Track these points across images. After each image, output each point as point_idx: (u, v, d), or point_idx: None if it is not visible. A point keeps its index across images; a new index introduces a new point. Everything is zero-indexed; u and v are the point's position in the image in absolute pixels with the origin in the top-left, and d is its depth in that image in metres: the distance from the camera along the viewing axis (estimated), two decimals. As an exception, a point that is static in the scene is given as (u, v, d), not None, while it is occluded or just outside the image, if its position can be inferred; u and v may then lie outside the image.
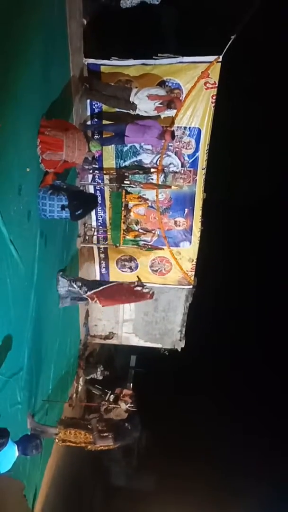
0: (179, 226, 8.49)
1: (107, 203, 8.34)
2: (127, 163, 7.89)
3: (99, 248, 9.00)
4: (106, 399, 7.77)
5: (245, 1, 5.74)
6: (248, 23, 5.96)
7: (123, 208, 8.19)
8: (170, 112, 7.13)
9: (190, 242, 8.61)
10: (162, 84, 6.99)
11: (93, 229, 8.73)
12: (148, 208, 8.36)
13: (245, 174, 12.00)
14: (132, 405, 7.15)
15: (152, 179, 8.04)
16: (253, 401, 14.41)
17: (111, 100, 6.87)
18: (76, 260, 8.36)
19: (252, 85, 10.18)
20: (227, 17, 6.71)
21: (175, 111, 7.10)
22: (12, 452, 4.36)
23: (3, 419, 4.86)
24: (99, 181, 8.14)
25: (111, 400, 7.75)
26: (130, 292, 7.24)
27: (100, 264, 9.20)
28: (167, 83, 7.01)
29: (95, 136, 7.47)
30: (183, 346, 10.50)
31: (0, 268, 4.42)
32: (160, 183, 8.03)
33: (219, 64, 6.73)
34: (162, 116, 7.18)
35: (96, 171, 8.00)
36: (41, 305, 5.95)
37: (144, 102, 6.63)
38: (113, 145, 7.64)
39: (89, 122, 7.43)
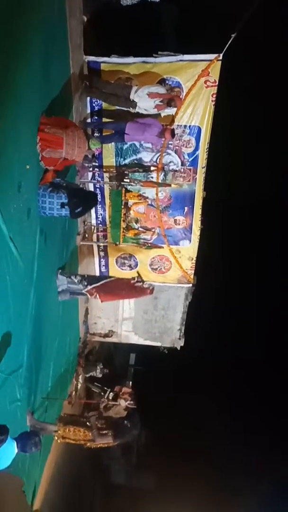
0: (179, 224, 8.49)
1: (107, 201, 8.34)
2: (127, 161, 7.89)
3: (98, 246, 9.00)
4: (106, 397, 7.77)
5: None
6: (249, 21, 5.96)
7: (123, 206, 8.20)
8: (170, 110, 7.13)
9: (190, 241, 8.61)
10: (162, 82, 6.99)
11: (92, 227, 8.73)
12: (148, 206, 8.36)
13: (245, 172, 12.00)
14: (132, 402, 7.15)
15: (152, 177, 8.04)
16: (252, 399, 14.43)
17: (111, 98, 6.87)
18: (75, 258, 8.36)
19: (253, 83, 10.18)
20: (228, 15, 6.70)
21: (175, 109, 7.10)
22: (11, 449, 4.38)
23: (2, 416, 4.87)
24: (99, 179, 8.15)
25: (110, 398, 7.75)
26: (129, 287, 7.22)
27: (99, 262, 9.20)
28: (167, 81, 7.00)
29: (95, 134, 7.47)
30: (182, 344, 10.52)
31: (0, 265, 4.42)
32: (160, 181, 8.03)
33: (220, 62, 6.72)
34: (162, 114, 7.18)
35: (96, 169, 8.00)
36: (40, 303, 5.96)
37: (144, 100, 6.62)
38: (113, 143, 7.64)
39: (89, 120, 7.43)
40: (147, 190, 8.20)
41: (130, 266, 9.15)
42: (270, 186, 11.88)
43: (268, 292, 13.92)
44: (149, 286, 7.43)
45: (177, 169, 7.87)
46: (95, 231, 8.77)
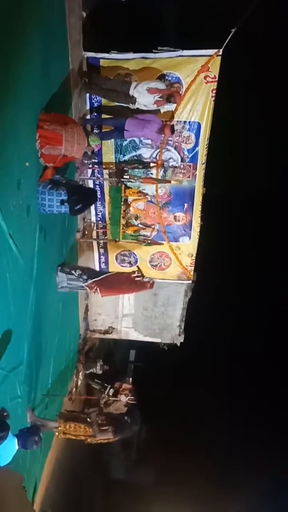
0: (179, 221, 8.48)
1: (107, 197, 8.32)
2: (126, 157, 7.87)
3: (98, 243, 8.99)
4: (106, 393, 7.80)
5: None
6: (248, 16, 5.93)
7: (122, 203, 8.18)
8: (170, 106, 7.09)
9: (190, 237, 8.60)
10: (162, 78, 6.95)
11: (92, 224, 8.71)
12: (147, 203, 8.34)
13: (245, 168, 11.97)
14: (132, 398, 7.18)
15: (152, 173, 8.02)
16: (252, 395, 14.48)
17: (111, 94, 6.84)
18: (75, 255, 8.36)
19: (252, 79, 10.14)
20: (227, 11, 6.67)
21: (174, 105, 7.06)
22: (12, 445, 4.39)
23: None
24: (99, 175, 8.12)
25: (110, 394, 7.78)
26: (130, 282, 7.22)
27: (99, 258, 9.19)
28: (167, 77, 6.97)
29: (95, 130, 7.44)
30: (182, 340, 10.53)
31: (0, 262, 4.42)
32: (159, 177, 8.00)
33: (219, 57, 6.68)
34: (161, 110, 7.14)
35: (95, 166, 7.97)
36: (40, 300, 5.97)
37: (143, 96, 6.59)
38: (112, 140, 7.61)
39: (88, 116, 7.40)
40: (146, 186, 8.18)
41: (130, 262, 9.14)
42: (270, 182, 11.86)
43: (268, 288, 13.94)
44: (149, 280, 7.44)
45: (177, 165, 7.85)
46: (94, 228, 8.76)
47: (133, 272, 7.43)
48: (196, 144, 7.56)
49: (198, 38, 7.08)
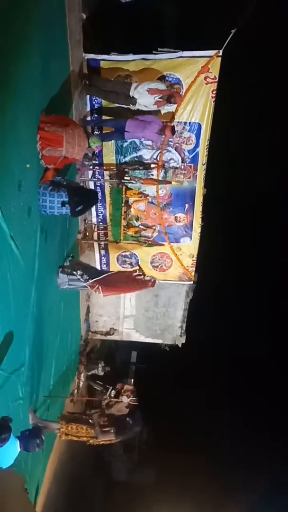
0: (180, 222, 8.48)
1: (107, 199, 8.32)
2: (127, 158, 7.87)
3: (99, 244, 8.99)
4: (107, 394, 7.80)
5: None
6: (248, 17, 5.93)
7: (123, 204, 8.18)
8: (170, 107, 7.09)
9: (191, 238, 8.60)
10: (162, 79, 6.94)
11: (93, 225, 8.72)
12: (148, 204, 8.34)
13: (246, 169, 11.98)
14: (134, 399, 7.17)
15: (153, 174, 8.02)
16: (253, 395, 14.47)
17: (111, 95, 6.84)
18: (76, 256, 8.36)
19: (253, 79, 10.15)
20: (227, 11, 6.68)
21: (175, 106, 7.06)
22: (14, 447, 4.39)
23: (5, 414, 4.87)
24: (99, 177, 8.12)
25: (112, 395, 7.78)
26: (131, 280, 7.20)
27: (100, 260, 9.19)
28: (167, 78, 6.96)
29: (95, 131, 7.44)
30: (183, 341, 10.52)
31: (1, 264, 4.42)
32: (160, 178, 8.00)
33: (219, 58, 6.68)
34: (162, 112, 7.14)
35: (96, 167, 7.98)
36: (42, 301, 5.97)
37: (144, 97, 6.59)
38: (113, 141, 7.61)
39: (89, 118, 7.40)
40: (147, 187, 8.18)
41: (131, 264, 9.14)
42: (271, 182, 11.86)
43: (269, 288, 13.93)
44: (150, 278, 7.44)
45: (178, 166, 7.85)
46: (95, 229, 8.76)
47: (135, 270, 7.42)
48: (197, 145, 7.57)
49: (198, 39, 7.08)
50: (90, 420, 6.23)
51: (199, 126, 7.35)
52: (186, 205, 8.25)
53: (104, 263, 9.23)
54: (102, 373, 10.03)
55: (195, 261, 8.91)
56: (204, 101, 7.09)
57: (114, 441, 6.24)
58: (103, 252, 9.10)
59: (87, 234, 8.67)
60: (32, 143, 5.01)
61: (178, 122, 7.33)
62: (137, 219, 8.56)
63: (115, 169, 7.95)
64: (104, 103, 7.22)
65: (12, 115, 4.31)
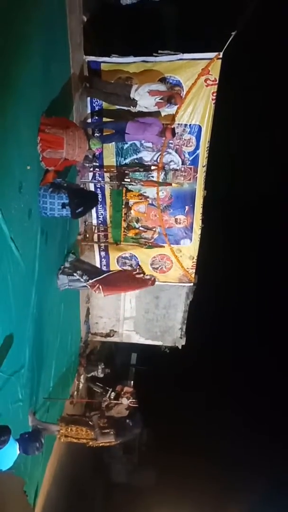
0: (180, 223, 8.48)
1: (108, 201, 8.33)
2: (127, 160, 7.88)
3: (99, 246, 9.00)
4: (107, 396, 7.78)
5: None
6: (249, 19, 5.94)
7: (123, 206, 8.19)
8: (171, 109, 7.12)
9: (191, 240, 8.60)
10: (162, 80, 6.96)
11: (93, 227, 8.72)
12: (148, 205, 8.35)
13: (246, 171, 11.99)
14: (133, 400, 7.16)
15: (153, 176, 8.03)
16: (253, 396, 14.46)
17: (112, 97, 6.85)
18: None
19: (253, 81, 10.16)
20: (227, 14, 6.69)
21: (175, 108, 7.08)
22: (13, 450, 4.38)
23: (4, 416, 4.87)
24: (100, 179, 8.13)
25: (112, 397, 7.76)
26: (132, 279, 7.23)
27: (100, 261, 9.19)
28: (167, 80, 6.98)
29: (96, 134, 7.45)
30: (183, 343, 10.52)
31: (1, 265, 4.42)
32: (160, 180, 8.02)
33: (220, 60, 6.69)
34: (162, 114, 7.17)
35: (96, 169, 7.98)
36: (42, 303, 5.96)
37: (144, 98, 6.60)
38: (113, 143, 7.62)
39: (89, 120, 7.41)
40: (147, 189, 8.19)
41: (131, 265, 9.13)
42: (271, 184, 11.87)
43: (269, 290, 13.93)
44: (150, 277, 7.45)
45: (178, 168, 7.86)
46: (96, 231, 8.77)
47: (135, 269, 7.43)
48: (197, 147, 7.58)
49: (199, 42, 7.09)
50: (90, 422, 6.22)
51: (200, 128, 7.37)
52: (186, 207, 8.26)
53: (104, 265, 9.23)
54: (102, 375, 10.01)
55: (195, 263, 8.91)
56: (205, 103, 7.11)
57: (114, 443, 6.23)
58: (103, 253, 9.10)
59: (87, 235, 8.67)
60: (33, 145, 5.02)
61: (178, 124, 7.35)
62: (137, 221, 8.57)
63: (115, 171, 7.96)
64: (104, 105, 7.24)
65: (13, 117, 4.31)
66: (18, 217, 4.74)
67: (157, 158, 7.81)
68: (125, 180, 7.92)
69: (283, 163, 11.27)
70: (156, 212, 8.41)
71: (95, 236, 8.81)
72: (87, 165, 7.70)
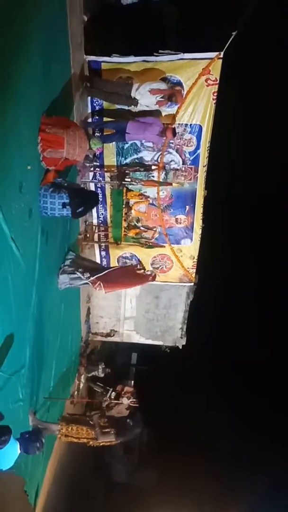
0: (180, 223, 8.48)
1: (108, 200, 8.33)
2: (128, 160, 7.88)
3: (100, 246, 9.00)
4: (108, 396, 7.78)
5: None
6: (249, 19, 5.94)
7: (124, 206, 8.19)
8: (171, 109, 7.11)
9: (191, 240, 8.60)
10: (164, 79, 6.96)
11: (94, 226, 8.72)
12: (149, 205, 8.35)
13: (246, 171, 11.98)
14: (134, 400, 7.16)
15: (153, 176, 8.03)
16: (254, 396, 14.45)
17: (112, 96, 6.85)
18: (77, 258, 8.34)
19: (254, 81, 10.16)
20: (228, 13, 6.69)
21: (176, 107, 7.08)
22: (14, 450, 4.38)
23: (5, 416, 4.87)
24: (100, 178, 8.13)
25: (112, 397, 7.76)
26: (133, 275, 7.23)
27: (101, 261, 9.19)
28: (168, 79, 6.97)
29: (96, 133, 7.45)
30: (184, 343, 10.51)
31: (2, 265, 4.42)
32: (161, 180, 8.02)
33: (220, 60, 6.69)
34: (163, 113, 7.16)
35: (97, 169, 7.98)
36: (42, 303, 5.96)
37: (145, 97, 6.60)
38: (114, 143, 7.63)
39: (90, 120, 7.41)
40: (148, 189, 8.19)
41: (131, 265, 9.13)
42: (271, 184, 11.87)
43: (270, 290, 13.92)
44: (151, 272, 7.45)
45: (178, 168, 7.86)
46: (96, 230, 8.77)
47: (135, 265, 7.43)
48: (198, 147, 7.57)
49: (199, 41, 7.09)
50: (90, 421, 6.22)
51: (200, 128, 7.36)
52: (187, 206, 8.26)
53: (105, 264, 9.23)
54: (102, 375, 10.01)
55: (195, 263, 8.91)
56: (205, 103, 7.10)
57: (115, 442, 6.23)
58: (103, 253, 9.10)
59: (88, 235, 8.67)
60: (33, 144, 5.02)
61: (179, 124, 7.34)
62: (138, 220, 8.57)
63: (116, 170, 7.96)
64: (105, 104, 7.24)
65: (13, 116, 4.31)
66: (19, 217, 4.74)
67: (158, 158, 7.81)
68: (126, 179, 7.92)
69: (284, 163, 11.26)
70: (156, 212, 8.40)
71: (96, 235, 8.81)
72: (88, 164, 7.70)
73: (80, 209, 5.69)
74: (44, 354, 6.47)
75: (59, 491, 8.85)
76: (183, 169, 7.86)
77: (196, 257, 8.82)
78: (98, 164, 7.90)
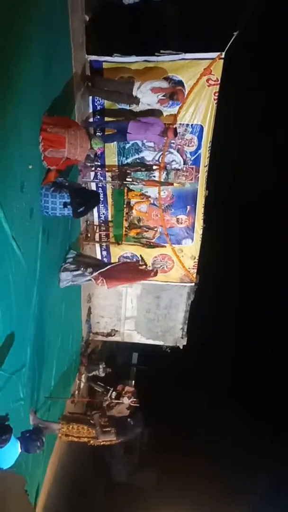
0: (181, 223, 8.49)
1: (109, 200, 8.33)
2: (129, 160, 7.88)
3: (101, 245, 9.01)
4: (109, 396, 7.79)
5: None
6: (251, 19, 5.94)
7: (125, 206, 8.19)
8: (173, 109, 7.11)
9: (192, 240, 8.60)
10: (165, 79, 6.95)
11: (95, 226, 8.73)
12: (150, 205, 8.35)
13: (248, 171, 11.98)
14: (134, 400, 7.17)
15: (154, 176, 8.03)
16: (255, 396, 14.45)
17: (114, 95, 6.86)
18: (78, 257, 8.34)
19: (255, 81, 10.15)
20: (230, 13, 6.69)
21: (177, 107, 7.08)
22: (14, 448, 4.38)
23: (4, 415, 4.87)
24: (101, 178, 8.14)
25: (113, 396, 7.77)
26: (135, 271, 7.25)
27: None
28: (170, 79, 6.97)
29: (97, 133, 7.46)
30: (185, 343, 10.52)
31: (3, 265, 4.43)
32: (162, 180, 8.02)
33: (222, 60, 6.69)
34: (164, 114, 7.17)
35: (98, 168, 7.99)
36: (43, 302, 5.97)
37: (147, 96, 6.61)
38: (115, 142, 7.63)
39: (91, 119, 7.42)
40: (149, 189, 8.19)
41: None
42: (273, 184, 11.86)
43: (271, 290, 13.91)
44: (153, 268, 7.45)
45: (180, 168, 7.86)
46: (97, 230, 8.78)
47: (137, 261, 7.44)
48: (199, 147, 7.58)
49: (201, 41, 7.09)
50: (91, 421, 6.22)
51: (201, 128, 7.37)
52: (188, 206, 8.26)
53: (106, 264, 9.24)
54: (103, 374, 10.02)
55: (196, 263, 8.91)
56: (206, 103, 7.10)
57: (115, 441, 6.23)
58: (104, 253, 9.11)
59: (89, 235, 8.68)
60: (35, 144, 5.02)
61: (180, 124, 7.34)
62: (139, 220, 8.57)
63: (117, 170, 7.96)
64: (106, 104, 7.24)
65: (15, 116, 4.32)
66: (20, 216, 4.75)
67: (159, 157, 7.81)
68: (127, 179, 7.92)
69: (285, 162, 11.25)
70: (157, 212, 8.41)
71: (97, 235, 8.82)
72: (89, 164, 7.70)
73: (81, 209, 5.69)
74: (45, 354, 6.47)
75: (60, 491, 8.86)
76: (184, 169, 7.86)
77: (197, 257, 8.82)
78: (99, 163, 7.90)
